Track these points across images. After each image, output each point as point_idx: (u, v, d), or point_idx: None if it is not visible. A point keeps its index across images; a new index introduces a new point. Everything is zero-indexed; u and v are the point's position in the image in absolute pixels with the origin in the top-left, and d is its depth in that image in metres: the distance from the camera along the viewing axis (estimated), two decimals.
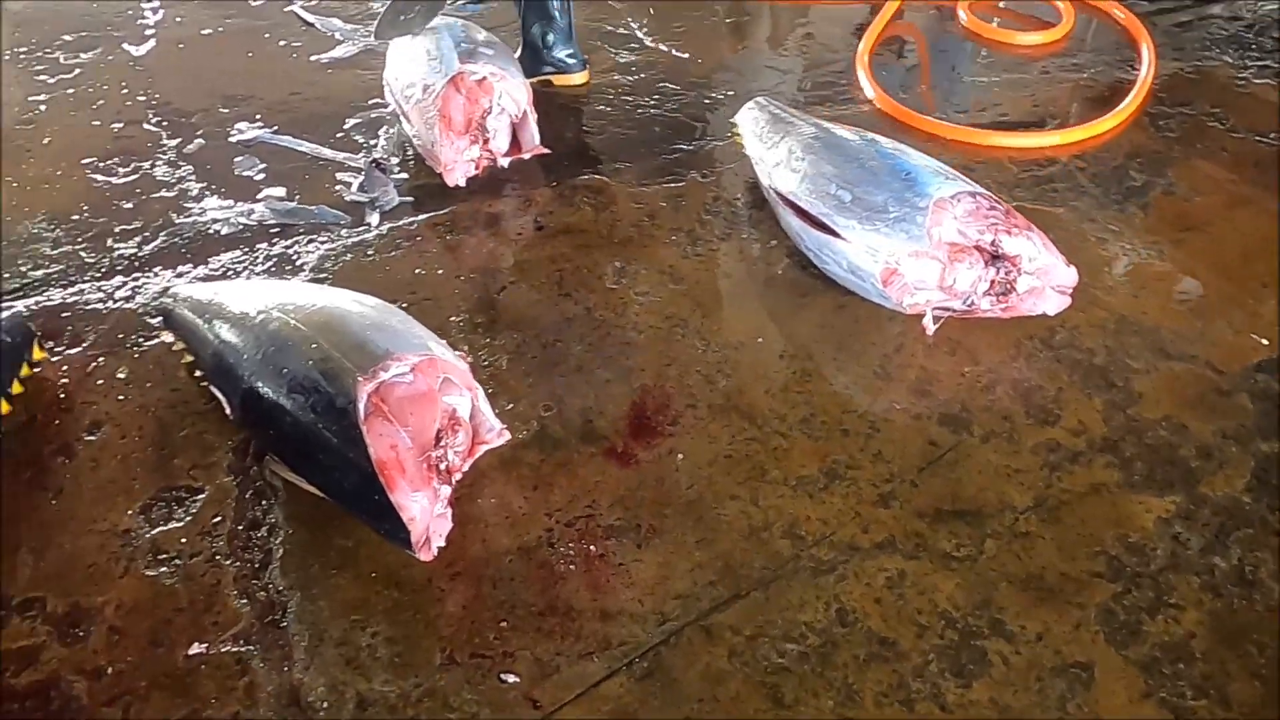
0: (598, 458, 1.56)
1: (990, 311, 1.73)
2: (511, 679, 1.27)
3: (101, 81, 2.53)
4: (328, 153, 2.26)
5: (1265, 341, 1.75)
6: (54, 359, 1.73)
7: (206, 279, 1.90)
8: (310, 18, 2.80)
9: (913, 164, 1.77)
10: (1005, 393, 1.66)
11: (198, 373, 1.64)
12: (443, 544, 1.37)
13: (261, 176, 2.19)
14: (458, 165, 2.07)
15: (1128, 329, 1.78)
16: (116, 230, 2.04)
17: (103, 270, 1.94)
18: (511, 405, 1.63)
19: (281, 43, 2.70)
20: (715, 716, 1.23)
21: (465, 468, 1.47)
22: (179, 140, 2.30)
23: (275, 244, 2.00)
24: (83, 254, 1.98)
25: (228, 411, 1.55)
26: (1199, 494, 1.49)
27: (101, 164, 2.23)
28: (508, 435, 1.51)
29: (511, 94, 2.11)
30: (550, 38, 2.44)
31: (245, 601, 1.36)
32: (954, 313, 1.74)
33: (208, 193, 2.14)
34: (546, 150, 2.17)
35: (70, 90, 2.50)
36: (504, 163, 2.16)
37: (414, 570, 1.39)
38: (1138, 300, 1.85)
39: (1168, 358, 1.73)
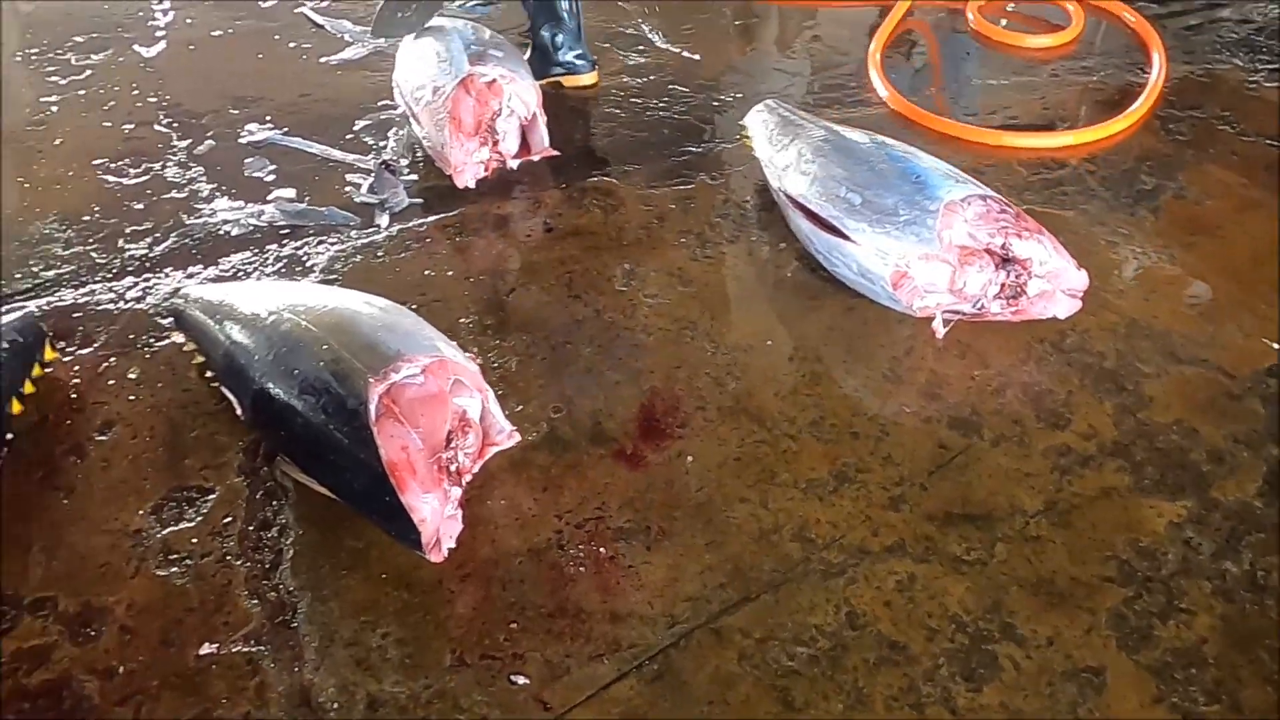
0: (607, 460, 1.56)
1: (1000, 315, 1.73)
2: (521, 680, 1.27)
3: (112, 83, 2.54)
4: (337, 154, 2.26)
5: (1276, 346, 1.74)
6: (65, 359, 1.73)
7: (217, 280, 1.91)
8: (320, 19, 2.81)
9: (923, 167, 1.77)
10: (1015, 396, 1.66)
11: (208, 373, 1.65)
12: (453, 545, 1.37)
13: (271, 178, 2.20)
14: (467, 167, 2.08)
15: (1138, 333, 1.78)
16: (127, 231, 2.05)
17: (114, 271, 1.94)
18: (521, 407, 1.64)
19: (291, 44, 2.71)
20: (725, 719, 1.23)
21: (475, 469, 1.47)
22: (189, 141, 2.31)
23: (285, 245, 2.01)
24: (94, 254, 1.99)
25: (239, 412, 1.55)
26: (1210, 498, 1.49)
27: (113, 165, 2.24)
28: (518, 437, 1.51)
29: (521, 96, 2.12)
30: (559, 39, 2.44)
31: (256, 602, 1.36)
32: (964, 316, 1.73)
33: (218, 194, 2.15)
34: (556, 152, 2.17)
35: (81, 91, 2.51)
36: (513, 165, 2.16)
37: (424, 571, 1.39)
38: (1148, 304, 1.85)
39: (1178, 362, 1.72)
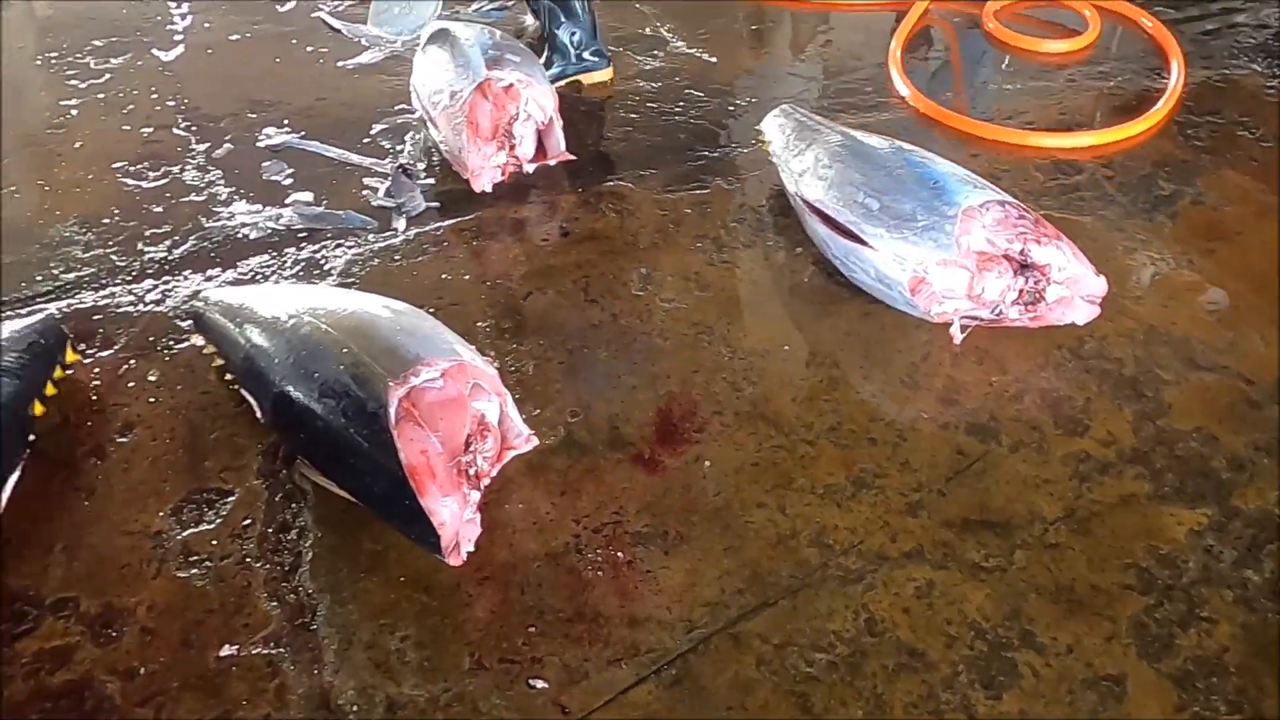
0: (625, 464, 1.56)
1: (1018, 321, 1.72)
2: (540, 685, 1.27)
3: (131, 86, 2.56)
4: (355, 158, 2.27)
5: None
6: (86, 361, 1.74)
7: (235, 283, 1.92)
8: (337, 24, 2.82)
9: (941, 172, 1.77)
10: (1033, 402, 1.66)
11: (228, 376, 1.65)
12: (471, 549, 1.38)
13: (289, 181, 2.21)
14: (484, 171, 2.09)
15: (1157, 339, 1.77)
16: (147, 234, 2.06)
17: (133, 273, 1.96)
18: (538, 411, 1.64)
19: (308, 48, 2.72)
20: None
21: (493, 473, 1.47)
22: (208, 145, 2.33)
23: (303, 248, 2.02)
24: (113, 257, 2.00)
25: (259, 415, 1.56)
26: (1231, 506, 1.48)
27: (132, 168, 2.25)
28: (535, 441, 1.51)
29: (538, 100, 2.12)
30: (577, 37, 2.45)
31: (275, 604, 1.37)
32: (981, 322, 1.73)
33: (236, 197, 2.16)
34: (572, 156, 2.18)
35: (100, 95, 2.53)
36: (529, 169, 2.17)
37: (442, 575, 1.39)
38: (1167, 310, 1.84)
39: (1198, 368, 1.71)
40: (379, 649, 1.31)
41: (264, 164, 2.26)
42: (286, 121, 2.40)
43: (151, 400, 1.68)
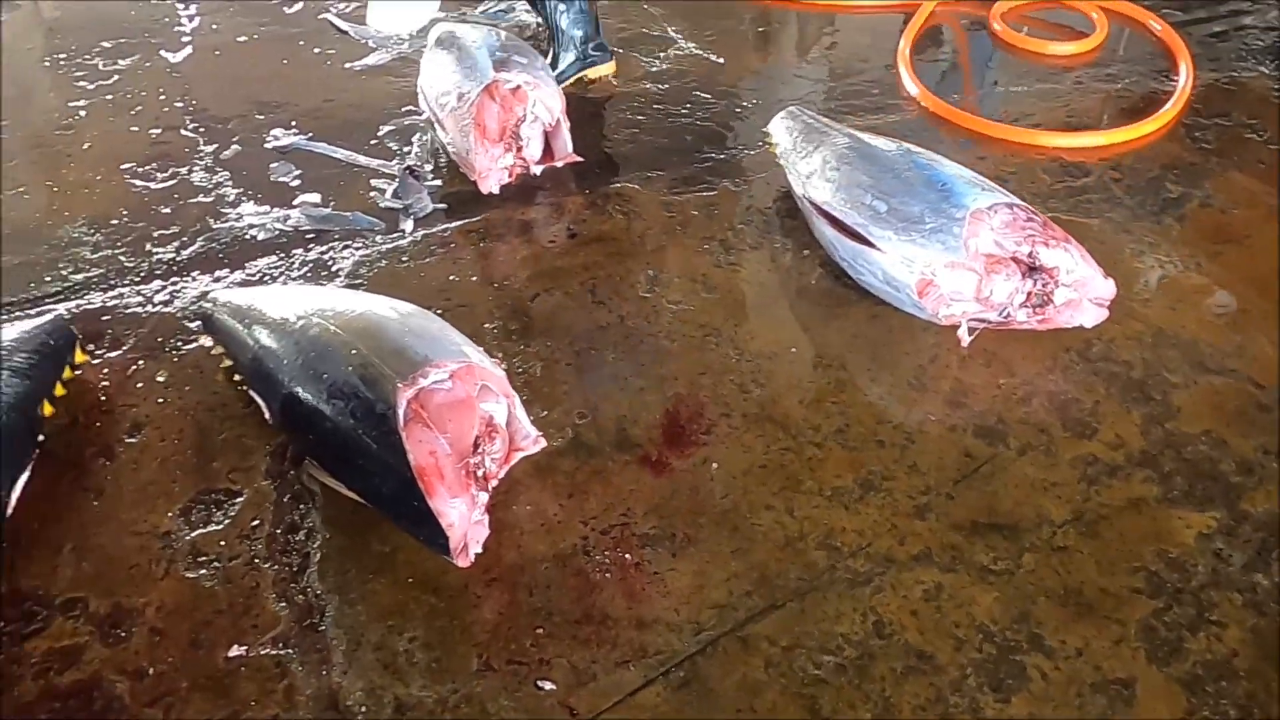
0: (632, 466, 1.56)
1: (1026, 323, 1.72)
2: (548, 686, 1.27)
3: (140, 88, 2.56)
4: (362, 159, 2.28)
5: None
6: (95, 362, 1.75)
7: (243, 284, 1.92)
8: (344, 25, 2.83)
9: (949, 175, 1.77)
10: (1041, 405, 1.65)
11: (236, 376, 1.66)
12: (479, 550, 1.38)
13: (297, 182, 2.21)
14: (492, 173, 2.09)
15: (1165, 342, 1.77)
16: (155, 235, 2.06)
17: (142, 274, 1.96)
18: (546, 413, 1.64)
19: (316, 50, 2.73)
20: None
21: (501, 474, 1.48)
22: (216, 146, 2.33)
23: (311, 249, 2.02)
24: (122, 258, 2.00)
25: (267, 416, 1.56)
26: (1240, 510, 1.48)
27: (140, 169, 2.26)
28: (543, 442, 1.51)
29: (545, 102, 2.12)
30: (582, 33, 2.46)
31: (284, 605, 1.37)
32: (989, 324, 1.73)
33: (244, 198, 2.16)
34: (579, 158, 2.18)
35: (109, 96, 2.53)
36: (537, 170, 2.17)
37: (450, 576, 1.40)
38: (1175, 313, 1.83)
39: (1206, 371, 1.71)
40: (387, 650, 1.32)
41: (272, 165, 2.26)
42: (294, 123, 2.41)
43: (160, 401, 1.68)
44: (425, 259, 2.00)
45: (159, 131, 2.39)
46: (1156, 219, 2.08)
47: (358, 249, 2.02)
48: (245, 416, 1.63)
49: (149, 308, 1.88)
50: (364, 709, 1.25)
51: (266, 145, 2.33)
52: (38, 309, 1.86)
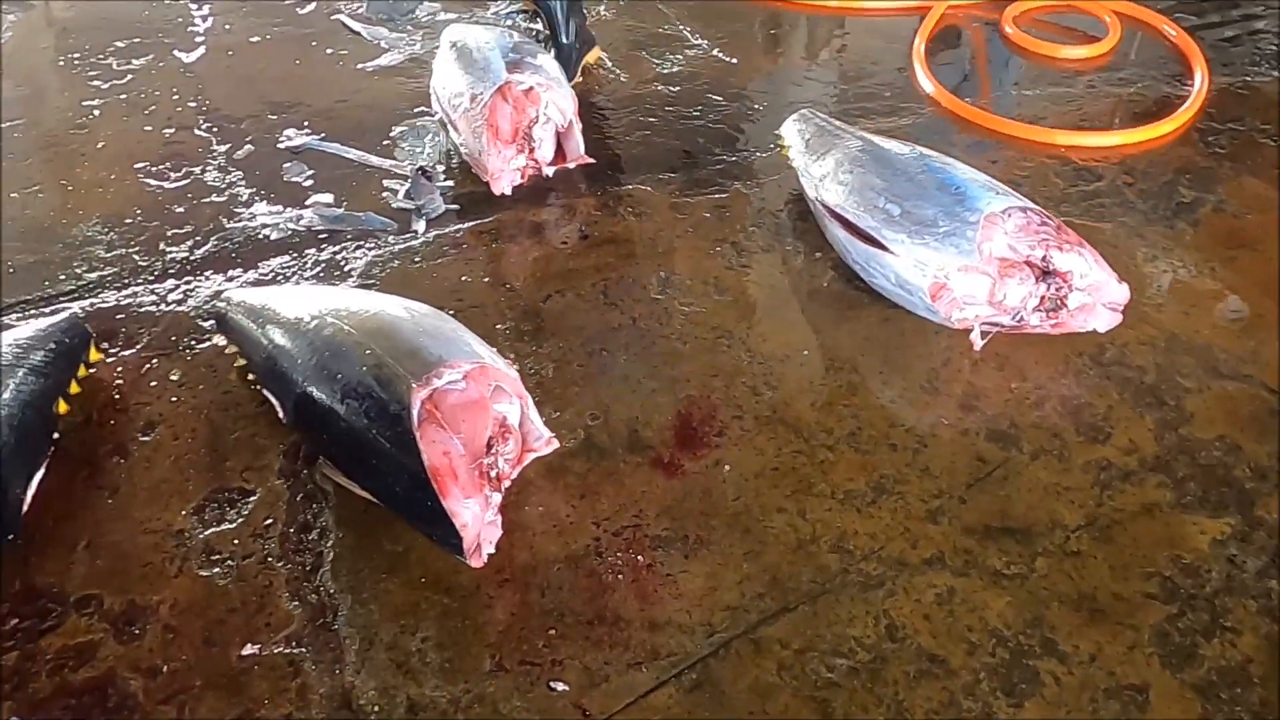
0: (644, 467, 1.56)
1: (1039, 327, 1.72)
2: (561, 687, 1.27)
3: (153, 87, 2.57)
4: (374, 160, 2.28)
5: None
6: (109, 360, 1.75)
7: (256, 283, 1.93)
8: (356, 26, 2.83)
9: (963, 178, 1.76)
10: (1054, 409, 1.65)
11: (249, 376, 1.66)
12: (492, 551, 1.38)
13: (309, 183, 2.22)
14: (504, 174, 2.09)
15: (1179, 347, 1.76)
16: (169, 234, 2.07)
17: (155, 273, 1.97)
18: (558, 414, 1.64)
19: (329, 50, 2.73)
20: None
21: (514, 475, 1.48)
22: (229, 146, 2.34)
23: (324, 250, 2.03)
24: (136, 257, 2.01)
25: (280, 415, 1.57)
26: (1254, 516, 1.47)
27: (154, 168, 2.27)
28: (556, 443, 1.51)
29: (557, 104, 2.13)
30: (578, 21, 2.50)
31: (297, 604, 1.38)
32: (1002, 328, 1.73)
33: (257, 198, 2.17)
34: (591, 160, 2.18)
35: (123, 95, 2.54)
36: (549, 172, 2.17)
37: (462, 576, 1.40)
38: (1188, 318, 1.83)
39: (1220, 377, 1.71)
40: (400, 649, 1.32)
41: (285, 165, 2.27)
42: (307, 123, 2.41)
43: (174, 400, 1.69)
44: (437, 260, 2.00)
45: (172, 131, 2.40)
46: (1169, 223, 2.07)
47: (370, 249, 2.02)
48: (258, 415, 1.64)
49: (163, 306, 1.89)
50: (377, 708, 1.26)
51: (279, 145, 2.34)
52: (52, 307, 1.87)
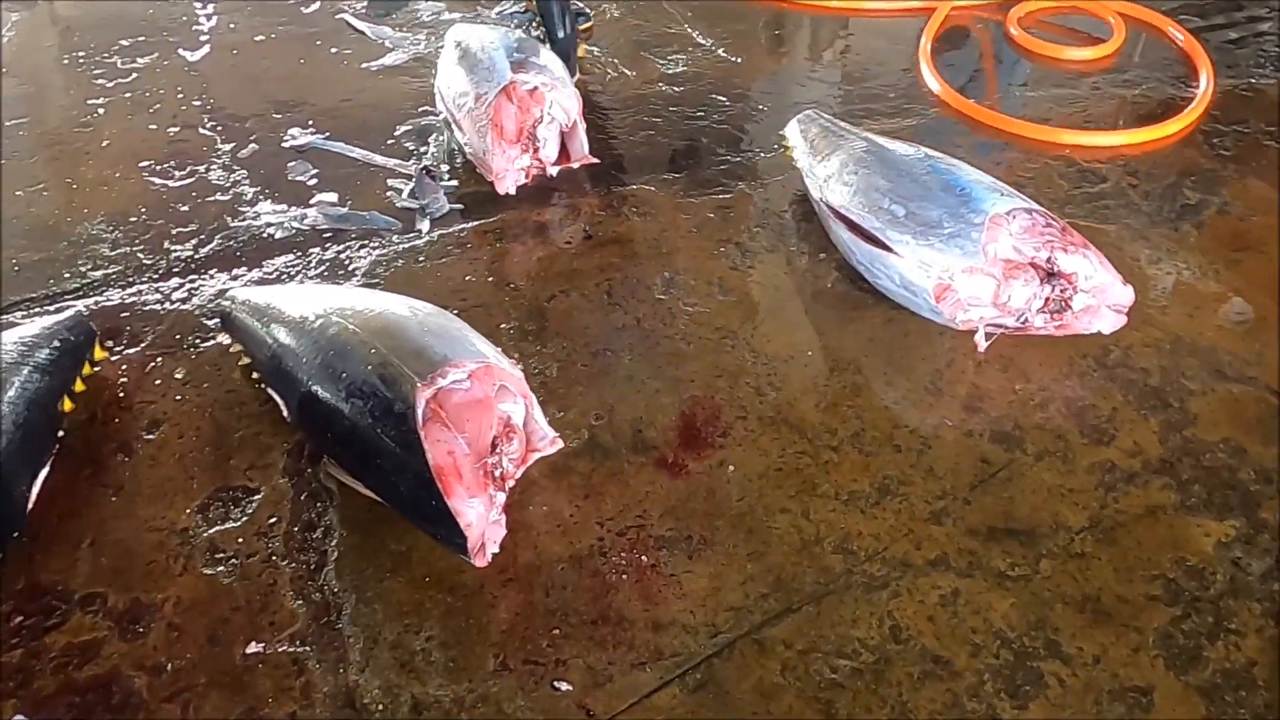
0: (648, 468, 1.56)
1: (1044, 329, 1.72)
2: (564, 687, 1.27)
3: (158, 86, 2.57)
4: (379, 159, 2.28)
5: None
6: (113, 359, 1.76)
7: (261, 282, 1.93)
8: (361, 25, 2.83)
9: (967, 179, 1.76)
10: (1058, 411, 1.65)
11: (254, 374, 1.66)
12: (496, 550, 1.38)
13: (314, 182, 2.22)
14: (509, 174, 2.09)
15: (1183, 349, 1.76)
16: (173, 232, 2.07)
17: (160, 271, 1.97)
18: (562, 414, 1.64)
19: (333, 50, 2.74)
20: None
21: (519, 475, 1.48)
22: (233, 145, 2.34)
23: (328, 249, 2.03)
24: (140, 255, 2.01)
25: (285, 414, 1.57)
26: (1259, 519, 1.47)
27: (158, 167, 2.27)
28: (560, 443, 1.52)
29: (562, 103, 2.13)
30: (572, 20, 2.52)
31: (301, 602, 1.38)
32: (1006, 329, 1.73)
33: (261, 197, 2.17)
34: (595, 160, 2.18)
35: (127, 94, 2.54)
36: (553, 172, 2.17)
37: (466, 576, 1.40)
38: (1193, 320, 1.83)
39: (1225, 379, 1.70)
40: (404, 649, 1.32)
41: (289, 164, 2.27)
42: (311, 122, 2.41)
43: (178, 398, 1.69)
44: (441, 259, 2.00)
45: (177, 130, 2.40)
46: (1174, 225, 2.07)
47: (374, 248, 2.03)
48: (262, 414, 1.64)
49: (167, 305, 1.89)
50: (381, 707, 1.26)
51: (284, 144, 2.34)
52: (57, 305, 1.87)
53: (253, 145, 2.34)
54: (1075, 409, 1.65)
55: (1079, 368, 1.73)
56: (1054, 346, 1.75)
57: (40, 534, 1.46)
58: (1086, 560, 1.42)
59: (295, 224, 2.10)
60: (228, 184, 2.22)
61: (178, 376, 1.73)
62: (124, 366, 1.75)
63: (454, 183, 2.20)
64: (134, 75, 2.63)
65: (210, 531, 1.47)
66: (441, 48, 2.37)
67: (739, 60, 2.68)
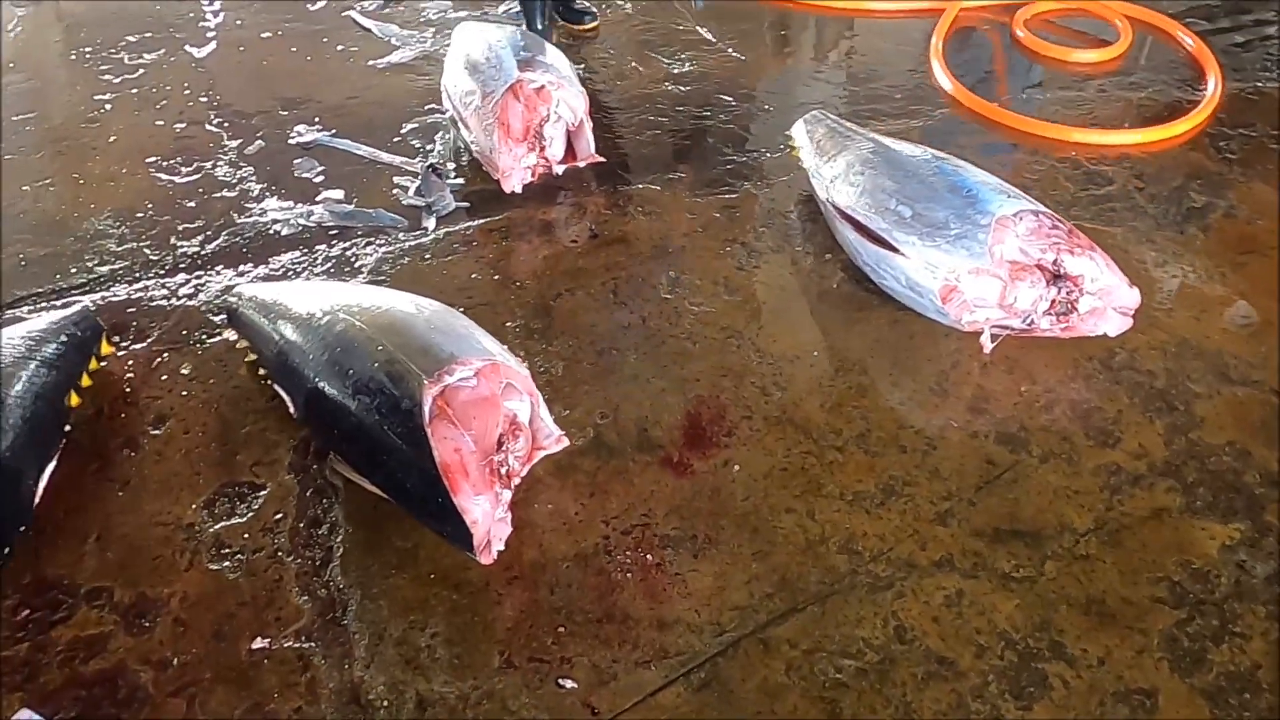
0: (653, 466, 1.56)
1: (1049, 331, 1.72)
2: (569, 685, 1.27)
3: (165, 82, 2.58)
4: (385, 157, 2.29)
5: None
6: (120, 354, 1.76)
7: (267, 278, 1.93)
8: (367, 23, 2.84)
9: (974, 181, 1.76)
10: (1064, 413, 1.65)
11: (260, 370, 1.67)
12: (502, 548, 1.38)
13: (320, 179, 2.22)
14: (515, 172, 2.09)
15: (1189, 352, 1.76)
16: (180, 229, 2.08)
17: (166, 267, 1.97)
18: (567, 412, 1.64)
19: (339, 47, 2.74)
20: None
21: (524, 472, 1.48)
22: (240, 141, 2.34)
23: (334, 245, 2.03)
24: (147, 251, 2.02)
25: (292, 410, 1.57)
26: (1264, 522, 1.47)
27: (165, 163, 2.27)
28: (566, 441, 1.52)
29: (568, 102, 2.13)
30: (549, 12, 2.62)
31: (306, 598, 1.38)
32: (1012, 331, 1.73)
33: (268, 193, 2.17)
34: (601, 159, 2.19)
35: (134, 90, 2.55)
36: (559, 170, 2.18)
37: (471, 573, 1.40)
38: (1198, 323, 1.83)
39: (1230, 382, 1.70)
40: (409, 645, 1.32)
41: (295, 161, 2.27)
42: (317, 119, 2.42)
43: (184, 393, 1.69)
44: (447, 257, 2.00)
45: (183, 126, 2.40)
46: (1180, 228, 2.07)
47: (380, 246, 2.03)
48: (268, 410, 1.64)
49: (174, 301, 1.89)
50: (386, 703, 1.26)
51: (290, 141, 2.34)
52: (63, 301, 1.87)
53: (259, 142, 2.35)
54: (1080, 411, 1.65)
55: (1084, 370, 1.73)
56: (1059, 348, 1.75)
57: (47, 528, 1.46)
58: (1091, 562, 1.42)
59: (301, 221, 2.10)
60: (234, 180, 2.22)
61: (184, 372, 1.73)
62: (130, 362, 1.75)
63: (460, 181, 2.21)
64: (140, 71, 2.63)
65: (216, 527, 1.47)
66: (448, 46, 2.38)
67: (746, 60, 2.68)
